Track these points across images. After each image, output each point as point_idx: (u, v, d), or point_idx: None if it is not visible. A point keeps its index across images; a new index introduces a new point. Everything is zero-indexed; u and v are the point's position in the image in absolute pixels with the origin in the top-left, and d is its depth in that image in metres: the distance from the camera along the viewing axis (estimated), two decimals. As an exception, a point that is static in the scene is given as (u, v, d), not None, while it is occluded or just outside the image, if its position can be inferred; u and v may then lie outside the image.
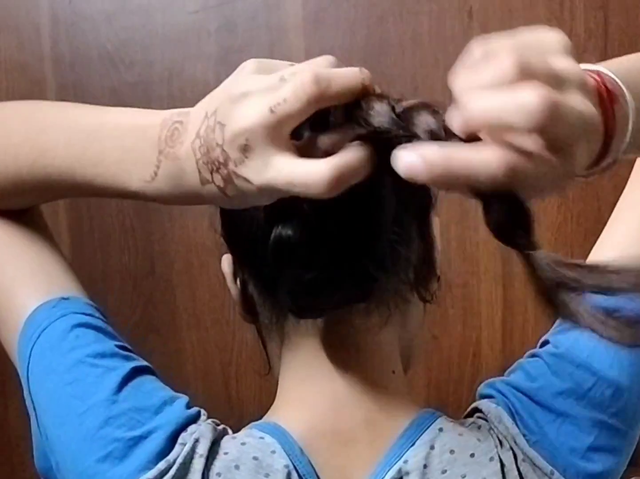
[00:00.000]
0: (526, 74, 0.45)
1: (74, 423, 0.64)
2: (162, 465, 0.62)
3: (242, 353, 1.35)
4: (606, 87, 0.52)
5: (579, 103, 0.46)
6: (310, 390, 0.65)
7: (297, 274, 0.59)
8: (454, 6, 1.31)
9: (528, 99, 0.44)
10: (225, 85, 0.55)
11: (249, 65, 0.54)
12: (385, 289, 0.63)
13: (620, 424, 0.66)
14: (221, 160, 0.52)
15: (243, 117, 0.51)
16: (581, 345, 0.68)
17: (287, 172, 0.50)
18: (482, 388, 0.70)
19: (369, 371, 0.65)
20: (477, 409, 0.67)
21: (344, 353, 0.65)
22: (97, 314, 0.69)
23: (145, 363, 0.68)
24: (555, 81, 0.46)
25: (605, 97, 0.52)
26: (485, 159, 0.46)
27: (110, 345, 0.67)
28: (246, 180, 0.52)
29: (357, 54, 1.29)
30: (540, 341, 0.71)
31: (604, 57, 1.30)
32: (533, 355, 0.70)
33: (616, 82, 0.54)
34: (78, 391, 0.65)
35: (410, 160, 0.47)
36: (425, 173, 0.46)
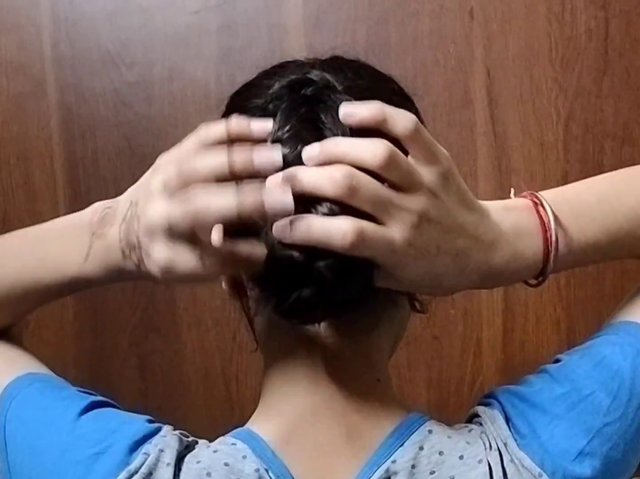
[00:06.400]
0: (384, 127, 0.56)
1: (42, 460, 0.66)
2: (123, 475, 0.62)
3: (242, 353, 1.35)
4: (549, 226, 0.63)
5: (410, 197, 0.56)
6: (289, 401, 0.65)
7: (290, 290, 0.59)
8: (455, 6, 1.31)
9: (375, 145, 0.55)
10: (146, 178, 0.62)
11: (157, 161, 0.61)
12: (375, 295, 0.62)
13: (614, 435, 0.66)
14: (136, 244, 0.60)
15: (149, 216, 0.58)
16: (587, 358, 0.68)
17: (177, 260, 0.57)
18: (481, 398, 0.70)
19: (353, 380, 0.65)
20: (474, 415, 0.67)
21: (328, 361, 0.65)
22: (64, 382, 0.74)
23: (106, 399, 0.71)
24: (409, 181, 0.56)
25: (549, 238, 0.63)
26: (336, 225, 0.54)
27: (71, 391, 0.71)
28: (153, 265, 0.59)
29: (358, 54, 1.29)
30: (554, 358, 0.71)
31: (604, 57, 1.30)
32: (541, 371, 0.70)
33: (550, 221, 0.63)
34: (41, 432, 0.67)
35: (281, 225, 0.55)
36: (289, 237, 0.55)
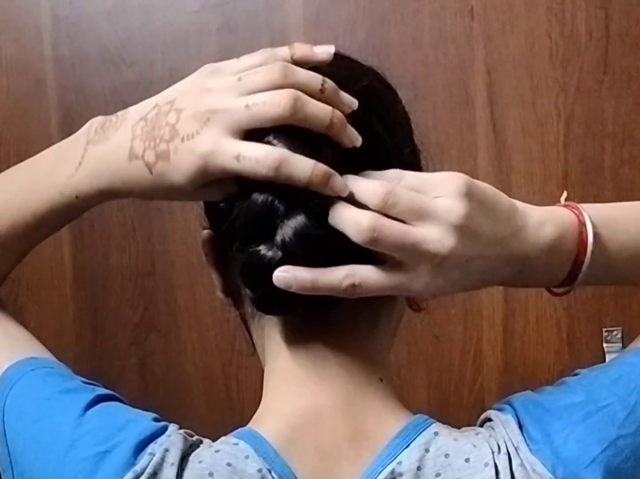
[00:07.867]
0: (390, 204, 0.56)
1: (46, 454, 0.65)
2: (129, 476, 0.61)
3: (242, 353, 1.35)
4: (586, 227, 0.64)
5: (433, 234, 0.56)
6: (291, 402, 0.64)
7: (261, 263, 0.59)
8: (455, 6, 1.31)
9: (359, 219, 0.55)
10: (183, 83, 0.61)
11: (207, 68, 0.60)
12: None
13: (626, 449, 0.65)
14: (167, 137, 0.58)
15: (210, 102, 0.57)
16: (607, 374, 0.67)
17: (238, 147, 0.56)
18: (496, 403, 0.69)
19: (356, 380, 0.64)
20: (487, 419, 0.67)
21: (329, 362, 0.64)
22: (67, 369, 0.72)
23: (111, 392, 0.69)
24: (416, 215, 0.56)
25: (585, 238, 0.64)
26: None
27: (76, 382, 0.70)
28: (190, 151, 0.56)
29: (358, 54, 1.29)
30: (573, 372, 0.71)
31: (605, 57, 1.30)
32: (559, 383, 0.69)
33: (587, 229, 0.64)
34: (46, 424, 0.66)
35: (285, 278, 0.57)
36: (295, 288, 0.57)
